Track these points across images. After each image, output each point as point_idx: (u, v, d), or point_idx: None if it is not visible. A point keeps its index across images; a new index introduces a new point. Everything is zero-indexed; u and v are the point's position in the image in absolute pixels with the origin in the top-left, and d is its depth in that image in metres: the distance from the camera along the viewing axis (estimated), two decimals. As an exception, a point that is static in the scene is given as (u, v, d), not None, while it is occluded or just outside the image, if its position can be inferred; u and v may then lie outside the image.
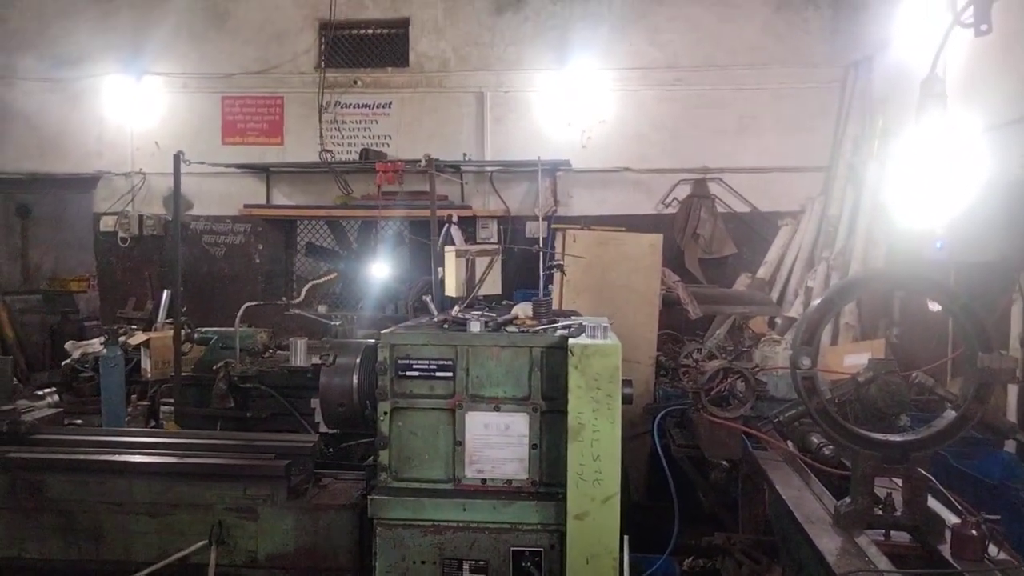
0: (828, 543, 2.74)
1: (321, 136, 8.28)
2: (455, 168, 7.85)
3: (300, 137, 8.37)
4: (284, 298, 6.02)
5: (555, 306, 5.05)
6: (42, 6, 8.51)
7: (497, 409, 2.86)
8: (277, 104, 8.45)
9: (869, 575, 2.51)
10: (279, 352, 5.26)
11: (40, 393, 3.94)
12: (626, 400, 2.86)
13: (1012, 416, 4.34)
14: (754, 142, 7.60)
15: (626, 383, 2.86)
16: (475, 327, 3.02)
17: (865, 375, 3.13)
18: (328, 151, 8.19)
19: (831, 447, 3.44)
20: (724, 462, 4.19)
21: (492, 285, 5.76)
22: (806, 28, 7.55)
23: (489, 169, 8.09)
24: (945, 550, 2.69)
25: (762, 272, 7.04)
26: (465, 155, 7.96)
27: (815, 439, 3.58)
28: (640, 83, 7.85)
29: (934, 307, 4.05)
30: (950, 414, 2.89)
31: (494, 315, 3.31)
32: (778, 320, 5.86)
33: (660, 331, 5.59)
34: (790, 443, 3.82)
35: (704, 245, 7.29)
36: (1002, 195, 4.46)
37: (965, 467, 3.70)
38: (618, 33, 7.82)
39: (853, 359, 4.46)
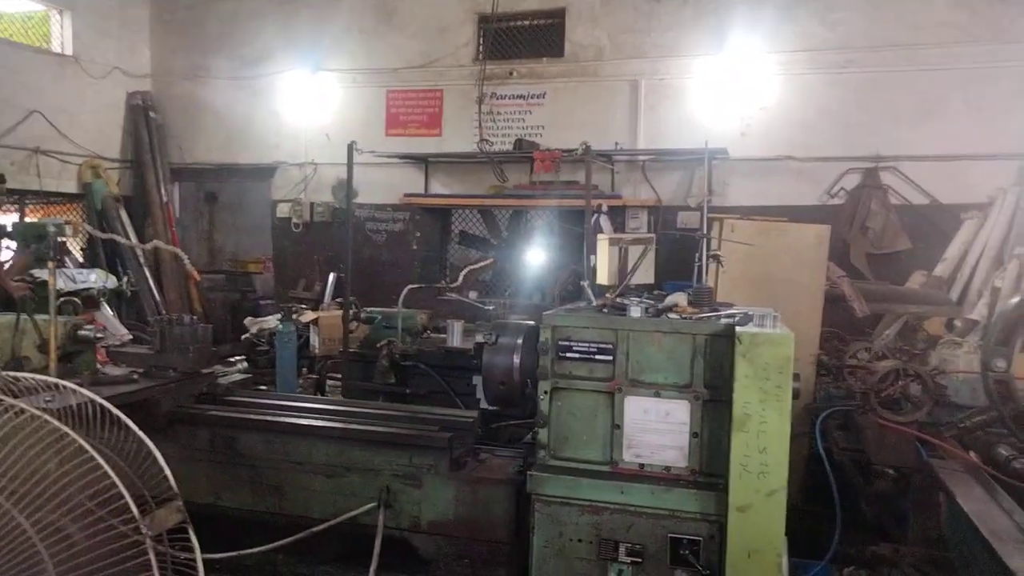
0: (1021, 563, 2.50)
1: (479, 127, 8.52)
2: (607, 157, 7.82)
3: (457, 128, 8.66)
4: (444, 281, 6.30)
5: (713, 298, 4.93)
6: (235, 11, 9.38)
7: (657, 395, 2.85)
8: (437, 96, 8.79)
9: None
10: (435, 334, 5.50)
11: (232, 360, 4.39)
12: (794, 395, 2.76)
13: None
14: (937, 128, 6.96)
15: (794, 377, 2.76)
16: (636, 312, 3.02)
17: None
18: (486, 141, 8.41)
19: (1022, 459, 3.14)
20: (891, 470, 3.94)
21: (644, 275, 5.71)
22: (1007, 1, 6.79)
23: (642, 158, 7.99)
24: None
25: (940, 269, 6.46)
26: (617, 144, 7.91)
27: (1004, 450, 3.28)
28: (806, 66, 7.43)
29: None
30: None
31: (653, 302, 3.29)
32: (958, 322, 5.38)
33: (822, 328, 5.30)
34: (972, 453, 3.52)
35: (874, 239, 6.80)
36: None
37: None
38: (785, 13, 7.43)
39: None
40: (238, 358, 4.49)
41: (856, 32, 7.24)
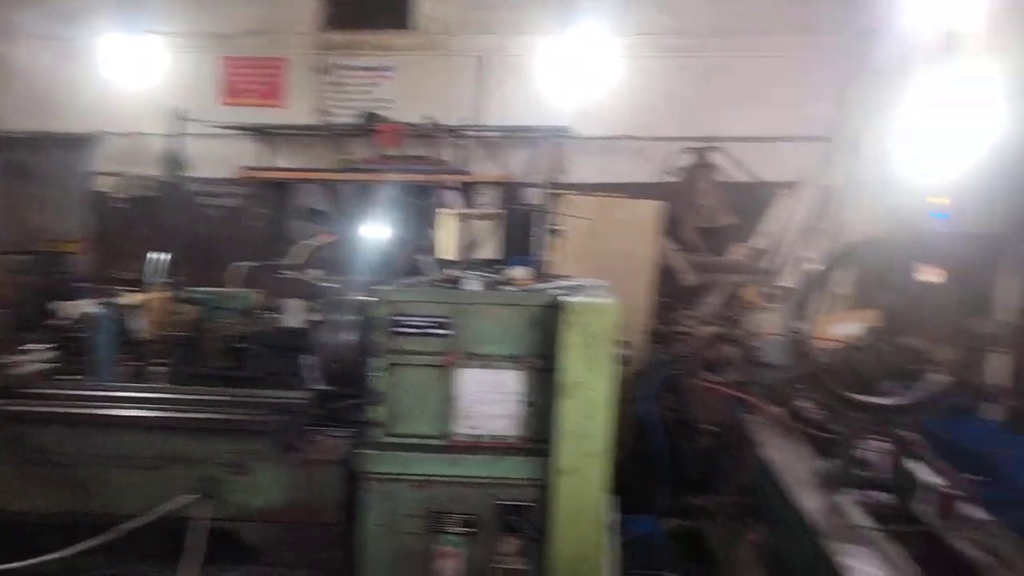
0: (809, 502, 2.79)
1: (322, 99, 8.19)
2: (454, 132, 7.79)
3: (301, 99, 8.28)
4: (280, 260, 6.03)
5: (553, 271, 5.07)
6: (47, -38, 8.38)
7: (491, 367, 2.88)
8: (278, 66, 8.35)
9: (846, 530, 2.55)
10: (273, 314, 5.26)
11: (31, 348, 3.95)
12: (622, 361, 2.89)
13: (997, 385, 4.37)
14: (758, 111, 7.51)
15: (623, 344, 2.88)
16: (471, 286, 3.04)
17: (859, 341, 3.16)
18: (328, 114, 8.12)
19: (818, 411, 3.48)
20: (712, 427, 4.25)
21: (491, 250, 5.78)
22: (821, -7, 7.41)
23: (489, 134, 8.02)
24: (923, 509, 2.74)
25: (758, 242, 7.02)
26: (464, 120, 7.89)
27: (803, 403, 3.62)
28: (647, 50, 7.73)
29: (926, 276, 4.04)
30: (938, 378, 2.92)
31: (490, 275, 3.33)
32: (772, 289, 5.86)
33: (655, 299, 5.60)
34: (780, 408, 3.85)
35: (703, 214, 7.25)
36: (1007, 167, 4.44)
37: (948, 432, 3.73)
38: (629, -2, 7.69)
39: (844, 328, 4.46)
40: (40, 346, 4.05)
41: (692, 19, 7.63)
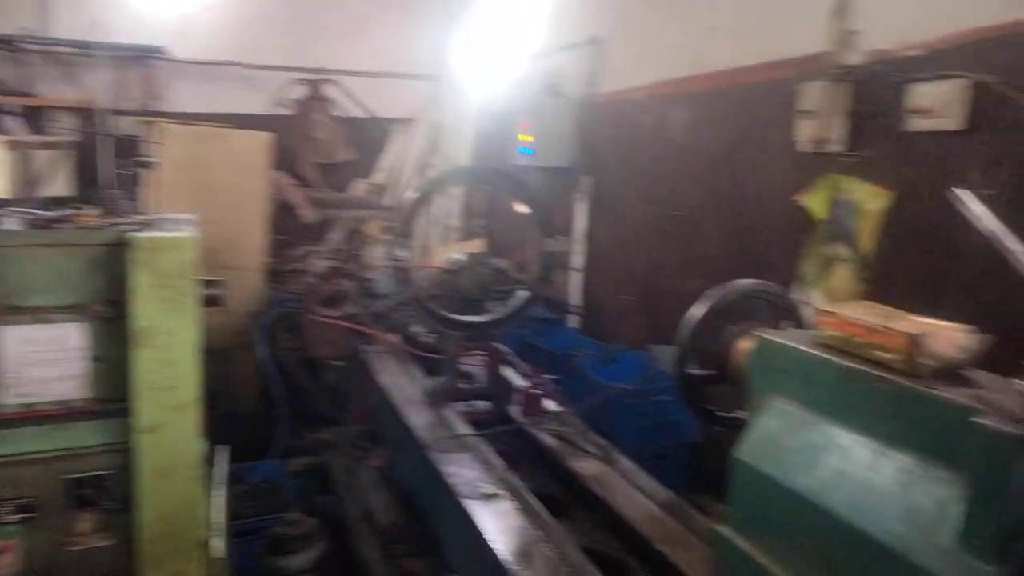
0: (418, 419, 2.92)
1: None
2: (8, 44, 6.32)
3: None
4: None
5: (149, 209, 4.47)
6: None
7: (44, 321, 2.38)
8: None
9: (448, 440, 2.72)
10: None
11: None
12: (215, 302, 2.62)
13: (573, 298, 5.13)
14: (371, 46, 7.48)
15: (215, 283, 2.61)
16: (8, 224, 2.47)
17: (457, 266, 3.34)
18: None
19: (429, 334, 3.65)
20: (335, 361, 4.22)
21: (61, 186, 4.88)
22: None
23: (62, 50, 6.69)
24: (514, 410, 3.06)
25: (378, 178, 7.11)
26: (25, 30, 6.46)
27: (414, 328, 3.76)
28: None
29: (518, 208, 4.47)
30: (522, 294, 3.23)
31: (41, 213, 2.74)
32: (390, 223, 5.99)
33: (273, 236, 5.31)
34: (395, 335, 3.96)
35: (321, 149, 7.06)
36: (567, 113, 5.14)
37: (539, 342, 4.25)
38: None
39: (453, 256, 4.75)
40: None
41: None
